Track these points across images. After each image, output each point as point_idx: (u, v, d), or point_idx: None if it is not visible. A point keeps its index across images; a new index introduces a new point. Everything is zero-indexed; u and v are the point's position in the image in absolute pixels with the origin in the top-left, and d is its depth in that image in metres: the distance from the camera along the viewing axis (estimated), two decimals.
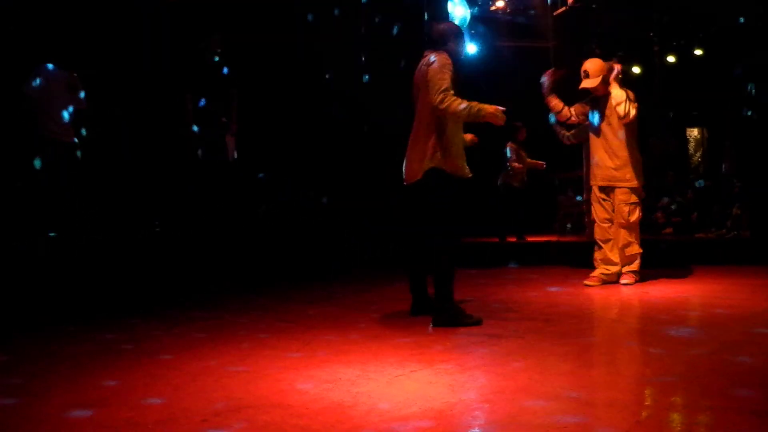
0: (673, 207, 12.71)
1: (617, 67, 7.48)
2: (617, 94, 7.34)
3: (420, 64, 5.70)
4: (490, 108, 5.42)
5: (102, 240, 8.67)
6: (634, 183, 7.45)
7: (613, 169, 7.47)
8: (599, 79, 7.46)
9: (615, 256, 7.57)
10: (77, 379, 3.99)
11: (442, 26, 5.88)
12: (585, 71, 7.55)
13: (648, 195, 13.96)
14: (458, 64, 5.66)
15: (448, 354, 4.41)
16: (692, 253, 9.71)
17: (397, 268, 8.30)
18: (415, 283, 5.90)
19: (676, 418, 3.12)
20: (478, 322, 5.36)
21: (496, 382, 3.69)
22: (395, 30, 10.98)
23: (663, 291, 6.97)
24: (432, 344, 4.71)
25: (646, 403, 3.34)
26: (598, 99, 7.58)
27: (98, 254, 8.32)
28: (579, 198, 13.47)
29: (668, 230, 12.44)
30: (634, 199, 7.45)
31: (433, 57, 5.53)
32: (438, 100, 5.32)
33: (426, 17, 10.81)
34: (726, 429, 2.92)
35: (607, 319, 6.01)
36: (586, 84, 7.53)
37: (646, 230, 12.53)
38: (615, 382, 3.75)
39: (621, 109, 7.25)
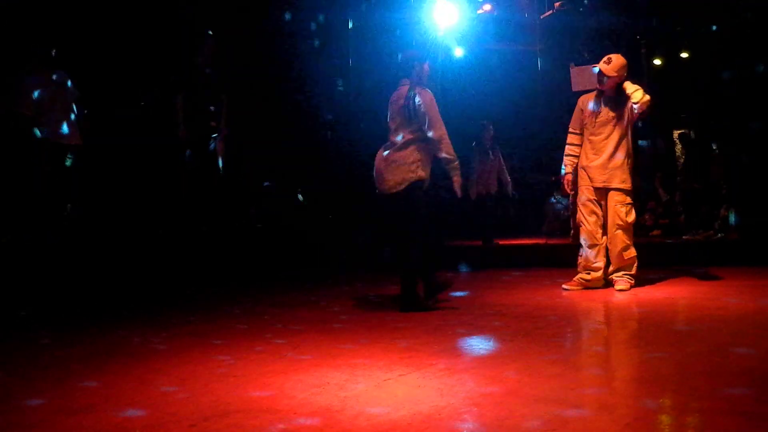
0: (661, 200, 12.77)
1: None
2: (629, 84, 7.26)
3: (400, 89, 6.45)
4: (457, 178, 6.40)
5: (92, 243, 8.63)
6: (629, 184, 7.35)
7: (609, 169, 7.34)
8: (617, 72, 7.34)
9: (599, 262, 7.51)
10: (65, 384, 3.97)
11: (408, 53, 6.62)
12: (609, 58, 7.41)
13: (636, 197, 14.07)
14: (428, 82, 6.52)
15: (437, 357, 4.40)
16: (680, 254, 9.74)
17: (385, 271, 8.33)
18: (405, 281, 6.38)
19: (665, 419, 3.13)
20: (430, 307, 6.26)
21: (484, 385, 3.69)
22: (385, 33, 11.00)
23: (651, 293, 6.99)
24: (421, 347, 4.70)
25: (636, 406, 3.33)
26: (602, 99, 7.46)
27: (88, 258, 8.28)
28: (552, 200, 13.46)
29: (656, 232, 12.49)
30: (629, 200, 7.34)
31: (416, 92, 6.27)
32: (442, 137, 6.23)
33: (414, 20, 10.83)
34: (715, 431, 2.92)
35: (596, 322, 6.02)
36: (603, 68, 7.36)
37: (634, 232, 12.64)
38: (604, 385, 3.76)
39: (638, 95, 7.11)
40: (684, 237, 11.56)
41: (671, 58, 16.19)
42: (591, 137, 7.51)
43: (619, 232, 7.31)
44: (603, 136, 7.41)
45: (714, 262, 8.95)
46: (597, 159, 7.43)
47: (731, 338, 4.74)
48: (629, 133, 7.43)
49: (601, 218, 7.50)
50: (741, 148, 12.05)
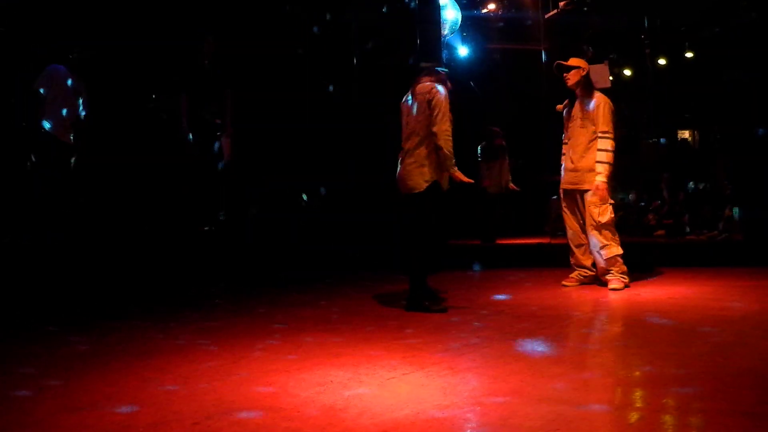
0: (665, 201, 12.76)
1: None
2: (602, 140, 7.31)
3: (416, 86, 6.38)
4: (457, 172, 6.19)
5: (93, 241, 8.64)
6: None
7: (579, 172, 7.41)
8: (577, 67, 7.50)
9: (588, 261, 7.58)
10: (68, 382, 3.97)
11: (437, 67, 6.53)
12: (567, 57, 7.63)
13: (639, 197, 14.06)
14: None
15: (440, 356, 4.40)
16: (684, 254, 9.73)
17: (389, 270, 8.34)
18: (411, 281, 6.36)
19: (668, 420, 3.13)
20: (443, 310, 6.12)
21: (488, 384, 3.69)
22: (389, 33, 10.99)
23: (654, 293, 6.98)
24: (424, 347, 4.70)
25: (638, 405, 3.34)
26: (573, 102, 7.60)
27: (88, 255, 8.28)
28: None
29: (660, 232, 12.47)
30: (602, 199, 7.31)
31: (436, 86, 6.24)
32: (442, 131, 6.11)
33: (418, 20, 10.79)
34: (718, 431, 2.92)
35: (599, 322, 6.02)
36: (561, 62, 7.57)
37: (637, 232, 12.63)
38: (607, 385, 3.76)
39: (600, 180, 7.24)
40: (688, 237, 11.55)
41: (675, 58, 16.18)
42: (568, 141, 7.67)
43: (595, 232, 7.32)
44: (574, 138, 7.54)
45: (718, 263, 8.94)
46: (569, 162, 7.55)
47: (734, 339, 4.74)
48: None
49: (579, 219, 7.56)
50: (745, 148, 12.02)
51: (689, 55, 15.99)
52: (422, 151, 6.23)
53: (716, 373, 3.77)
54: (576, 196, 7.54)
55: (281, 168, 10.41)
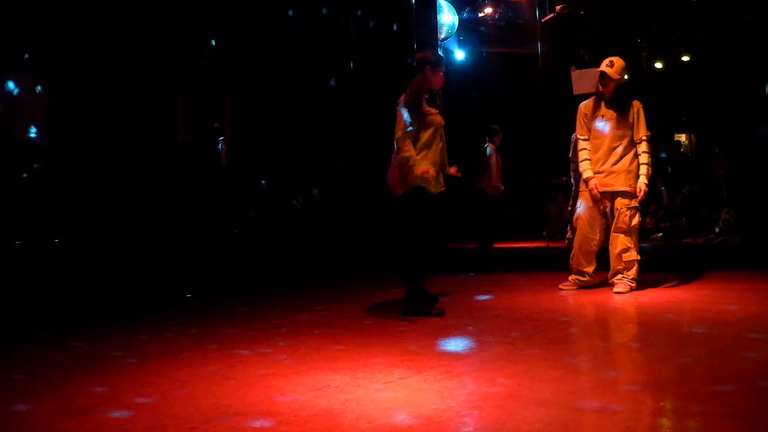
0: (663, 203, 12.76)
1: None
2: (645, 150, 7.29)
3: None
4: (417, 172, 5.95)
5: (89, 244, 8.65)
6: (635, 187, 7.29)
7: (615, 173, 7.31)
8: (620, 75, 7.35)
9: (590, 268, 7.55)
10: (66, 386, 3.97)
11: (420, 56, 6.39)
12: (611, 61, 7.38)
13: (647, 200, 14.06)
14: (428, 92, 6.23)
15: (437, 360, 4.40)
16: (681, 258, 9.73)
17: (387, 273, 8.34)
18: (406, 284, 6.30)
19: (665, 423, 3.13)
20: (440, 314, 6.07)
21: (485, 388, 3.69)
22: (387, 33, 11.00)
23: (652, 296, 6.97)
24: (421, 350, 4.70)
25: (636, 409, 3.33)
26: (603, 102, 7.43)
27: (86, 259, 8.29)
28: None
29: (657, 235, 12.48)
30: (634, 203, 7.29)
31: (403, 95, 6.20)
32: (396, 139, 6.06)
33: (415, 24, 10.79)
34: None
35: (597, 325, 6.02)
36: (607, 71, 7.32)
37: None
38: (604, 388, 3.75)
39: (641, 185, 7.24)
40: (685, 240, 11.56)
41: (672, 61, 16.20)
42: (595, 141, 7.46)
43: (621, 235, 7.27)
44: (607, 140, 7.36)
45: (715, 266, 8.93)
46: (601, 164, 7.38)
47: (732, 342, 4.73)
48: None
49: (602, 224, 7.48)
50: (742, 151, 12.03)
51: (686, 58, 16.01)
52: (395, 160, 6.19)
53: (714, 376, 3.77)
54: (608, 197, 7.40)
55: (280, 171, 10.43)
